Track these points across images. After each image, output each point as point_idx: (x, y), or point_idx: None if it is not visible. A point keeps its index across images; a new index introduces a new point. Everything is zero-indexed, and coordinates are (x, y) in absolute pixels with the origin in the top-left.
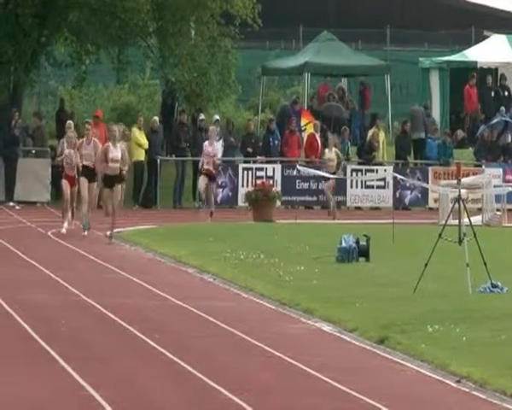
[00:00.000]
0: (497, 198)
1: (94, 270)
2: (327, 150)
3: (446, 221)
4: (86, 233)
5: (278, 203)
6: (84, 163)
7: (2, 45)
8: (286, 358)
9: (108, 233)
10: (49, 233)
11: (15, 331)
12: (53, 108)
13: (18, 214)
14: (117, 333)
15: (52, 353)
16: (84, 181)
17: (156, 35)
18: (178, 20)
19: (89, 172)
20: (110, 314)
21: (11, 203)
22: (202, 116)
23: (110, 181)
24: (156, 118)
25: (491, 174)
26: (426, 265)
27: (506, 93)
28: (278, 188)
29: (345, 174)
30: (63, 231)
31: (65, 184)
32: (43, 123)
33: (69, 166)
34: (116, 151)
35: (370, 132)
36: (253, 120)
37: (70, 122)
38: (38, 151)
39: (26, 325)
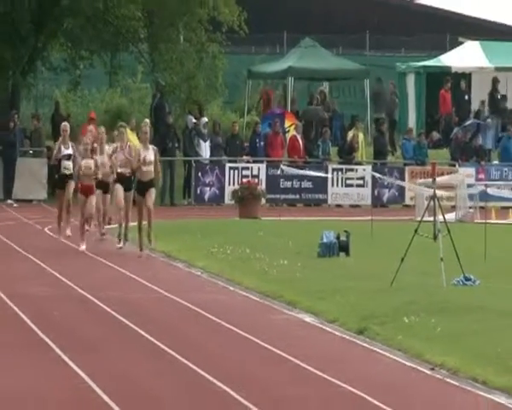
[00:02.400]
0: (470, 196)
1: (89, 265)
2: None
3: (422, 218)
4: (122, 245)
5: (263, 201)
6: (120, 170)
7: (0, 50)
8: (271, 348)
9: (150, 241)
10: (45, 229)
11: (14, 322)
12: (49, 111)
13: (16, 212)
14: (111, 325)
15: (50, 343)
16: (119, 188)
17: (147, 41)
18: (168, 27)
19: (125, 180)
20: (104, 307)
21: (9, 201)
22: (205, 119)
23: (143, 188)
24: (147, 120)
25: (465, 174)
26: (402, 259)
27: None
28: (263, 186)
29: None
30: (83, 247)
31: (81, 199)
32: (40, 125)
33: (87, 176)
34: (148, 153)
35: (350, 134)
36: (239, 122)
37: (66, 124)
38: (36, 151)
39: (24, 317)
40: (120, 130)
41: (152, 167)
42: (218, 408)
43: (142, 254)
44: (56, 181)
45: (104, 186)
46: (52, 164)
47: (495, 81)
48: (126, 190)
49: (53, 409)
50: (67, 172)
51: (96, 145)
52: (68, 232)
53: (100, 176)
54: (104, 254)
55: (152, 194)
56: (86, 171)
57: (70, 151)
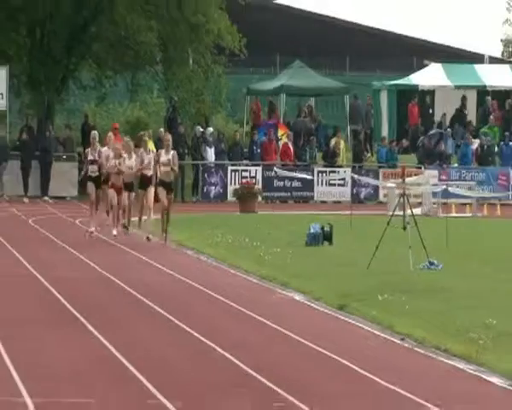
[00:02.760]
0: (434, 194)
1: (113, 252)
2: None
3: (393, 212)
4: (151, 237)
5: (259, 198)
6: (144, 172)
7: (37, 72)
8: (266, 321)
9: (164, 236)
10: (76, 222)
11: (51, 302)
12: (79, 122)
13: (51, 207)
14: (131, 301)
15: (80, 318)
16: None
17: (162, 63)
18: (179, 52)
19: (146, 180)
20: (126, 287)
21: (45, 198)
22: (211, 129)
23: (164, 185)
24: (162, 129)
25: (430, 175)
26: (377, 247)
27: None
28: (259, 186)
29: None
30: (114, 232)
31: (111, 192)
32: (72, 134)
33: (116, 177)
34: (167, 156)
35: (333, 141)
36: (240, 131)
37: (94, 132)
38: (68, 156)
39: (59, 296)
40: (143, 139)
41: (169, 168)
42: (218, 371)
43: (163, 242)
44: (85, 179)
45: (129, 186)
46: (83, 169)
47: (463, 99)
48: (147, 187)
49: (81, 370)
50: (93, 175)
51: (117, 147)
52: (92, 229)
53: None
54: (125, 243)
55: (171, 199)
56: (114, 170)
57: (96, 157)
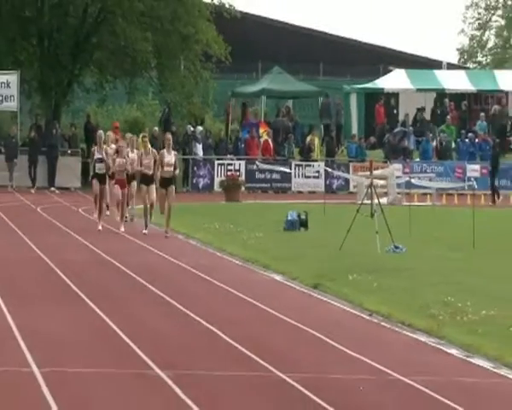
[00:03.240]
0: (398, 185)
1: (114, 237)
2: None
3: (362, 201)
4: (146, 231)
5: (243, 189)
6: (144, 171)
7: (46, 77)
8: (249, 299)
9: (165, 230)
10: (79, 210)
11: (56, 281)
12: (82, 121)
13: (57, 197)
14: (128, 281)
15: (82, 296)
16: (143, 187)
17: (156, 69)
18: (172, 59)
19: (147, 178)
20: (124, 268)
21: (52, 189)
22: (200, 128)
23: (165, 183)
24: (156, 128)
25: (394, 168)
26: (347, 232)
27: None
28: (243, 178)
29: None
30: (122, 229)
31: (117, 187)
32: (76, 131)
33: (121, 172)
34: (170, 157)
35: (308, 138)
36: (225, 130)
37: (100, 132)
38: (72, 151)
39: (63, 276)
40: (144, 140)
41: (172, 168)
42: (204, 343)
43: (166, 234)
44: (93, 176)
45: (131, 177)
46: (92, 166)
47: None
48: (149, 185)
49: (81, 342)
50: (100, 172)
51: (120, 145)
52: (100, 227)
53: (130, 170)
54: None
55: (172, 192)
56: (120, 168)
57: (100, 155)
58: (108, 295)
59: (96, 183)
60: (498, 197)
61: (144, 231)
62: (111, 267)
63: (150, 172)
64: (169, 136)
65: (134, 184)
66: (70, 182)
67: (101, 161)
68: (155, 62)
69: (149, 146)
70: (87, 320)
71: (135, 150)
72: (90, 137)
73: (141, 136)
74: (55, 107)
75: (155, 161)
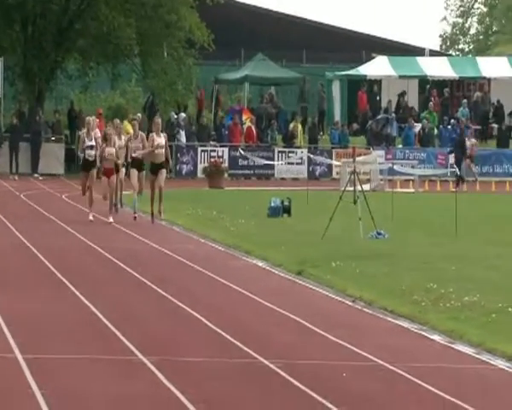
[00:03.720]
0: (381, 171)
1: (96, 223)
2: None
3: (345, 188)
4: (137, 215)
5: (226, 175)
6: (133, 155)
7: (30, 63)
8: (231, 285)
9: (160, 213)
10: (63, 196)
11: (39, 266)
12: (65, 108)
13: (41, 183)
14: (111, 267)
15: (65, 282)
16: (134, 172)
17: (139, 56)
18: (155, 45)
19: (138, 164)
20: (107, 254)
21: (36, 175)
22: (183, 115)
23: (155, 168)
24: (139, 114)
25: (377, 155)
26: (331, 219)
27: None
28: (226, 164)
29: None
30: (111, 219)
31: (103, 180)
32: (60, 118)
33: (108, 161)
34: (160, 139)
35: (292, 125)
36: (208, 116)
37: (89, 118)
38: (56, 138)
39: (46, 262)
40: (133, 123)
41: (163, 151)
42: (187, 329)
43: (153, 221)
44: (82, 165)
45: (118, 166)
46: (80, 153)
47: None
48: (139, 170)
49: (66, 329)
50: (90, 159)
51: (109, 132)
52: (91, 217)
53: (119, 161)
54: (106, 215)
55: (163, 174)
56: (109, 156)
57: (92, 142)
58: (92, 282)
59: (83, 173)
60: (463, 182)
61: (135, 215)
62: (95, 253)
63: (140, 157)
64: (158, 120)
65: (123, 171)
66: (53, 168)
67: (91, 147)
68: (138, 49)
69: (138, 129)
70: (70, 306)
71: (122, 136)
72: (73, 123)
73: (130, 117)
74: (38, 93)
75: (143, 144)
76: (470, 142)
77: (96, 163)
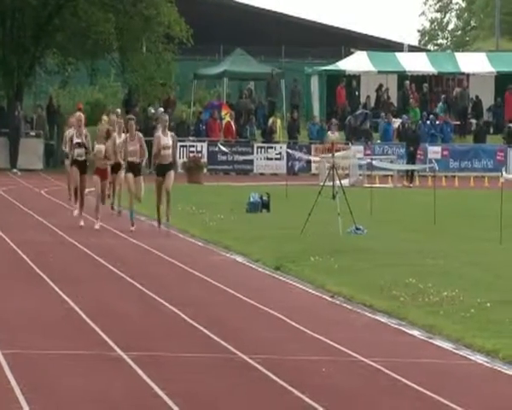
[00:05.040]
0: (360, 167)
1: (75, 218)
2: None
3: (324, 183)
4: (134, 228)
5: (205, 170)
6: (129, 159)
7: (8, 58)
8: (210, 280)
9: (169, 219)
10: (41, 192)
11: (18, 261)
12: (44, 103)
13: (19, 178)
14: (90, 262)
15: (44, 277)
16: (129, 177)
17: (118, 50)
18: (134, 40)
19: (134, 168)
20: (86, 250)
21: (14, 170)
22: (161, 109)
23: (162, 170)
24: (118, 110)
25: (356, 150)
26: (309, 214)
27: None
28: (205, 159)
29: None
30: (97, 227)
31: (95, 179)
32: (43, 113)
33: (100, 161)
34: (167, 139)
35: (270, 120)
36: (187, 111)
37: (80, 114)
38: (36, 133)
39: (24, 256)
40: (130, 123)
41: (170, 151)
42: (166, 324)
43: (160, 228)
44: (72, 163)
45: (117, 167)
46: (68, 152)
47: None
48: (136, 175)
49: (43, 323)
50: (80, 159)
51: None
52: (82, 223)
53: (110, 161)
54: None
55: (171, 176)
56: (98, 154)
57: (81, 139)
58: (70, 277)
59: (75, 171)
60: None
61: (131, 228)
62: (73, 249)
63: (137, 160)
64: (166, 117)
65: (121, 173)
66: (32, 163)
67: (79, 145)
68: (117, 44)
69: (135, 130)
70: (49, 301)
71: (122, 135)
72: (52, 118)
73: (127, 118)
74: (17, 88)
75: (141, 147)
76: (334, 135)
77: (86, 164)
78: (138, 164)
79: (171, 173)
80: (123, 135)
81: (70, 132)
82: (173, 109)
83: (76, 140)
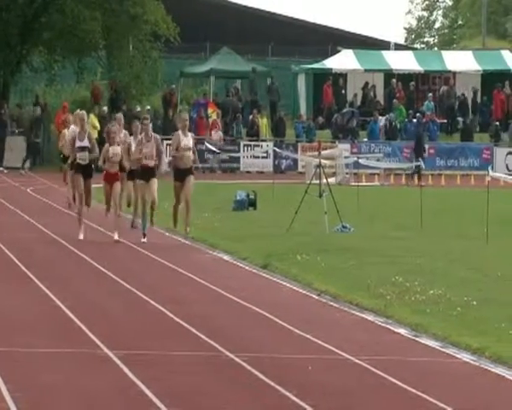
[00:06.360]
0: (346, 165)
1: (61, 216)
2: None
3: (310, 181)
4: (145, 240)
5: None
6: (145, 162)
7: None
8: (196, 278)
9: (187, 230)
10: (28, 190)
11: (4, 260)
12: (31, 101)
13: (6, 177)
14: (75, 260)
15: (30, 275)
16: (142, 184)
17: (105, 49)
18: (120, 38)
19: (148, 172)
20: (70, 247)
21: (0, 168)
22: (138, 108)
23: (181, 174)
24: (105, 108)
25: (342, 148)
26: (296, 212)
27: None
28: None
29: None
30: (116, 237)
31: (105, 186)
32: (39, 113)
33: (111, 165)
34: (187, 139)
35: (251, 117)
36: (174, 109)
37: (83, 113)
38: (23, 131)
39: (11, 255)
40: (144, 122)
41: (191, 153)
42: (153, 323)
43: (184, 240)
44: (74, 167)
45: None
46: (70, 154)
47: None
48: (150, 179)
49: (30, 322)
50: (83, 163)
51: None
52: (81, 236)
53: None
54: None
55: (191, 181)
56: (114, 157)
57: (85, 143)
58: (57, 275)
59: (78, 177)
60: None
61: (143, 240)
62: (59, 247)
63: (152, 164)
64: (185, 115)
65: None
66: (19, 162)
67: (83, 149)
68: (104, 42)
69: (151, 131)
70: (35, 300)
71: (122, 132)
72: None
73: (142, 118)
74: (3, 86)
75: (158, 149)
76: (217, 135)
77: (91, 169)
78: (152, 168)
79: (191, 179)
80: (123, 132)
81: (70, 133)
82: (174, 110)
83: (79, 143)
